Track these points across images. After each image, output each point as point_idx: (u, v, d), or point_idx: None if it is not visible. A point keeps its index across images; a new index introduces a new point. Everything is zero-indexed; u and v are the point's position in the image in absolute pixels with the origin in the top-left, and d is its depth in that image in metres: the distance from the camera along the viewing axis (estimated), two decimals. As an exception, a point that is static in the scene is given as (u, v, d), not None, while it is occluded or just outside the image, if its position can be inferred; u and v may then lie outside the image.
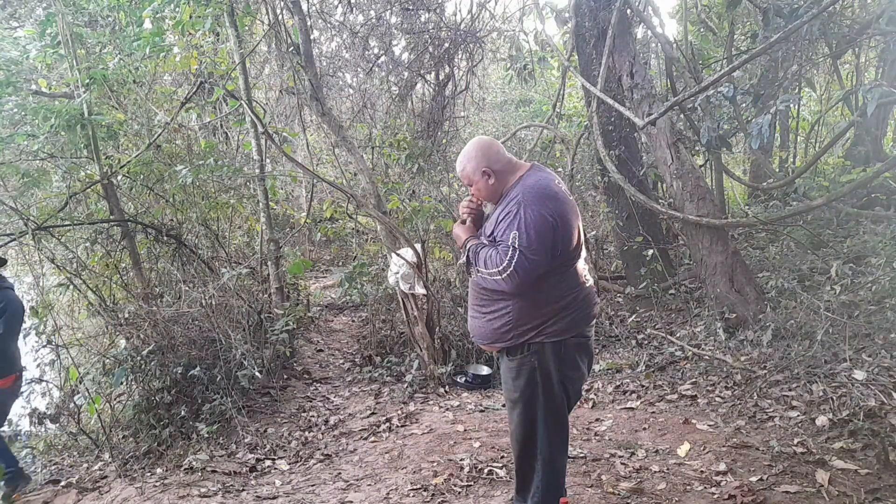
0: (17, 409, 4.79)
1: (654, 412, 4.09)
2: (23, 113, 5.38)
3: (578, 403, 3.97)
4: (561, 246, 2.23)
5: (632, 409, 4.22)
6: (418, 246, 5.41)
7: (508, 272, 2.18)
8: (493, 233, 2.32)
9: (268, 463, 3.89)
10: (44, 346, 4.82)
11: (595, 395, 4.62)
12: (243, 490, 3.43)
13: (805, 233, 6.09)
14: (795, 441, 3.31)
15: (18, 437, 4.76)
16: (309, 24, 6.48)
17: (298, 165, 6.28)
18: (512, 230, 2.20)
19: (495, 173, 2.38)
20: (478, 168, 2.39)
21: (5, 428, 4.81)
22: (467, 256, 2.39)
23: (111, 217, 5.20)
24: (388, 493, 3.18)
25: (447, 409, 4.54)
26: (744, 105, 6.29)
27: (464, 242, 2.44)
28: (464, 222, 2.55)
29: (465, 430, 3.99)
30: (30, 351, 5.04)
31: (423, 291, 5.33)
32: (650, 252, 6.10)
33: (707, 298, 5.39)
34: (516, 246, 2.17)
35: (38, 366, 4.96)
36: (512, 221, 2.21)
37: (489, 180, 2.38)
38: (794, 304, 4.73)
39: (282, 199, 9.44)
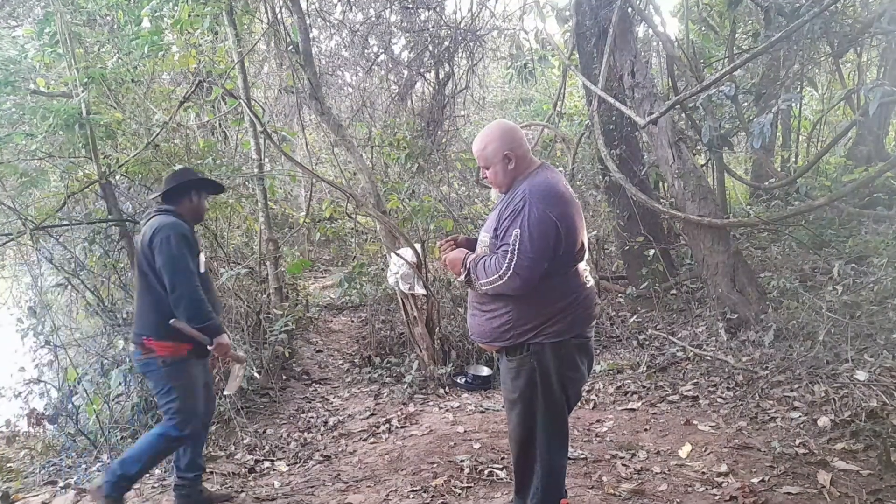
0: (15, 409, 4.77)
1: (655, 413, 4.07)
2: (21, 112, 5.34)
3: (579, 404, 3.95)
4: (563, 247, 2.21)
5: (633, 409, 4.20)
6: (418, 246, 5.38)
7: (508, 275, 2.17)
8: (496, 227, 2.29)
9: (267, 464, 3.86)
10: (42, 347, 4.80)
11: (596, 395, 4.60)
12: (242, 491, 3.41)
13: (807, 233, 6.06)
14: (797, 442, 3.29)
15: (17, 438, 4.73)
16: (308, 22, 6.46)
17: (297, 165, 6.26)
18: (515, 227, 2.18)
19: (516, 158, 2.31)
20: (500, 150, 2.30)
21: (3, 428, 4.79)
22: (468, 272, 2.34)
23: (109, 217, 5.17)
24: (387, 495, 3.16)
25: (447, 410, 4.52)
26: (745, 104, 6.26)
27: (463, 261, 2.38)
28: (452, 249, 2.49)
29: (465, 432, 3.97)
30: (28, 351, 5.03)
31: (423, 291, 5.31)
32: (651, 252, 6.08)
33: (709, 299, 5.36)
34: (516, 247, 2.15)
35: (36, 366, 4.94)
36: (516, 218, 2.19)
37: (508, 165, 2.31)
38: (795, 305, 4.71)
39: (281, 199, 9.41)
